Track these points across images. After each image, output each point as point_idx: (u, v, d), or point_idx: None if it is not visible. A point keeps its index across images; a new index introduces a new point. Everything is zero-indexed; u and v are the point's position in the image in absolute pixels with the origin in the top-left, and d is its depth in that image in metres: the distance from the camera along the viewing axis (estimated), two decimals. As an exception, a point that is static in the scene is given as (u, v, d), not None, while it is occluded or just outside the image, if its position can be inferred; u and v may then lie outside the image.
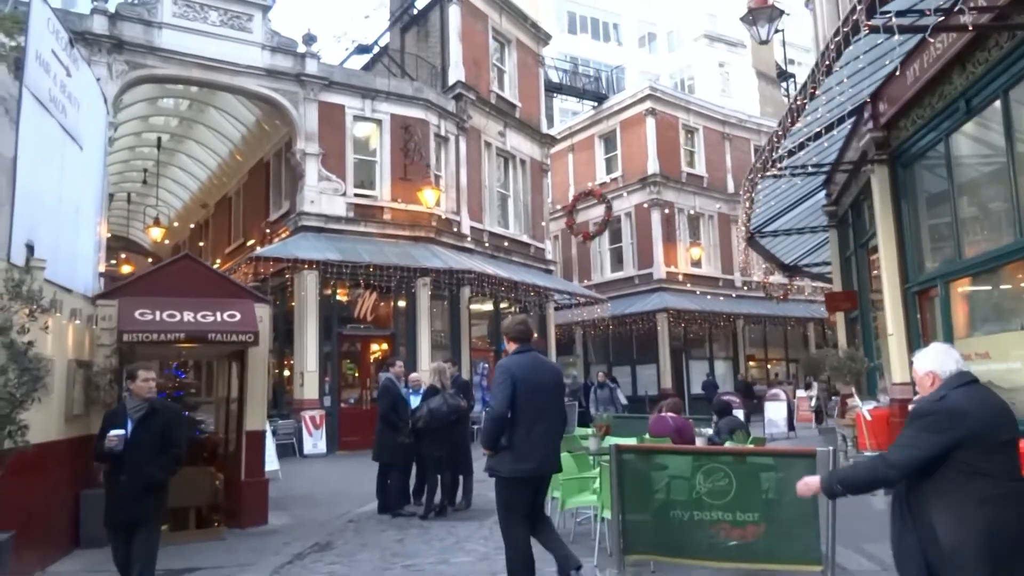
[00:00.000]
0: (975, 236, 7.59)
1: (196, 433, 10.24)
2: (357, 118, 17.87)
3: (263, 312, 8.79)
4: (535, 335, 5.64)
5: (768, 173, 9.43)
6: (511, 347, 5.14)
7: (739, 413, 14.50)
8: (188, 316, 7.97)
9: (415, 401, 9.03)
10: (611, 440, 8.56)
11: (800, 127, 7.64)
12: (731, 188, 30.28)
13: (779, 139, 7.88)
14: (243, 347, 8.43)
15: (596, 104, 31.33)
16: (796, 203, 13.36)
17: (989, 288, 7.54)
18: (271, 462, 12.63)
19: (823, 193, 13.77)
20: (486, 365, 20.13)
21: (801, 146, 8.21)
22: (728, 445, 7.68)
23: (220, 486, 9.15)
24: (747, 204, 10.25)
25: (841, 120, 9.00)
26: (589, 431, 10.47)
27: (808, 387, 19.18)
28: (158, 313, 7.88)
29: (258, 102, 17.86)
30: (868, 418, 9.13)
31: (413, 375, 10.01)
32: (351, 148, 17.69)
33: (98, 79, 14.96)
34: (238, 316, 8.15)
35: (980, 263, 7.35)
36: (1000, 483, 3.04)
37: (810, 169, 10.04)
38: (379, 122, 18.04)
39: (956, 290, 7.94)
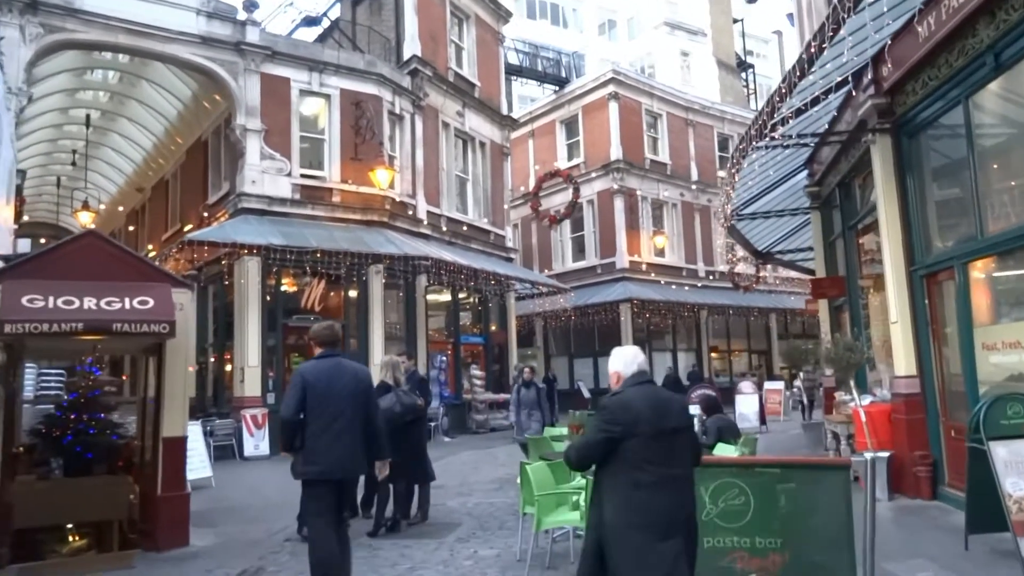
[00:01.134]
0: (1001, 210, 6.71)
1: (114, 438, 9.05)
2: (304, 92, 16.49)
3: (183, 298, 7.51)
4: (340, 340, 5.56)
5: (759, 144, 8.46)
6: (316, 351, 5.30)
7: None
8: (89, 303, 6.68)
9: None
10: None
11: (815, 79, 6.66)
12: (695, 176, 29.65)
13: (782, 98, 6.89)
14: (159, 339, 7.17)
15: (557, 89, 30.35)
16: (775, 184, 12.49)
17: (1020, 269, 6.68)
18: (203, 468, 11.36)
19: (804, 174, 12.95)
20: (444, 359, 18.97)
21: (798, 112, 7.24)
22: (736, 453, 6.69)
23: (135, 500, 7.91)
24: (733, 178, 9.27)
25: (827, 92, 8.08)
26: (563, 431, 9.46)
27: (793, 379, 18.43)
28: (52, 299, 6.57)
29: (194, 74, 16.35)
30: (863, 415, 8.25)
31: None
32: (297, 125, 16.31)
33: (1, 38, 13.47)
34: (151, 303, 6.88)
35: (1009, 240, 6.47)
36: (656, 470, 3.49)
37: (809, 139, 9.10)
38: (328, 97, 16.69)
39: (977, 272, 7.07)
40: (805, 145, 9.36)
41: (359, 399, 5.10)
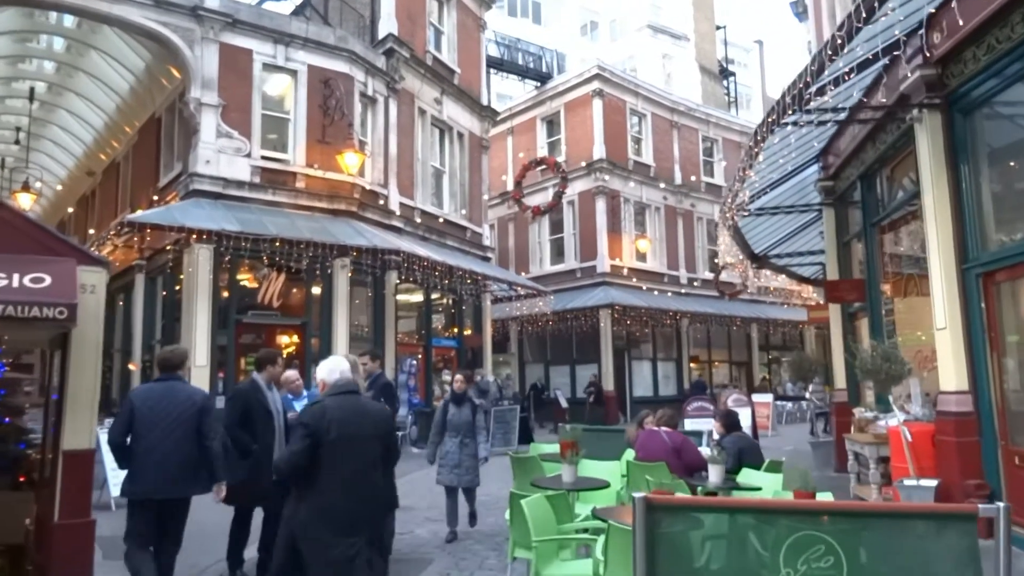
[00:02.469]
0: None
1: (20, 447, 7.67)
2: (267, 67, 15.04)
3: (94, 279, 6.09)
4: (184, 364, 5.71)
5: (787, 119, 7.26)
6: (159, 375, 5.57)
7: (704, 423, 12.47)
8: (-35, 278, 5.28)
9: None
10: (587, 468, 6.26)
11: (894, 17, 5.45)
12: (678, 180, 28.66)
13: (836, 51, 5.67)
14: (60, 327, 5.76)
15: (538, 84, 29.18)
16: (781, 180, 11.37)
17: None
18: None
19: (813, 169, 11.87)
20: (414, 362, 17.59)
21: (861, 66, 6.06)
22: (775, 484, 5.45)
23: (31, 525, 6.50)
24: (755, 157, 8.07)
25: (862, 66, 6.93)
26: (549, 449, 8.16)
27: (802, 391, 17.33)
28: (-85, 272, 5.17)
29: (146, 42, 14.84)
30: (908, 436, 7.08)
31: (288, 372, 6.72)
32: (259, 102, 14.84)
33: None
34: (47, 281, 5.46)
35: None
36: (345, 473, 3.87)
37: (847, 113, 7.91)
38: (294, 73, 15.26)
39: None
40: (840, 122, 8.16)
41: (190, 422, 5.23)
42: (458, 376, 7.40)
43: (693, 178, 29.06)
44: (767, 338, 31.55)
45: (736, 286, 27.53)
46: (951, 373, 6.95)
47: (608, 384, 24.89)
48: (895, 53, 6.90)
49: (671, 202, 28.52)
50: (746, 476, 6.12)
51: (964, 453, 6.76)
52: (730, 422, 6.99)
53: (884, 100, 8.13)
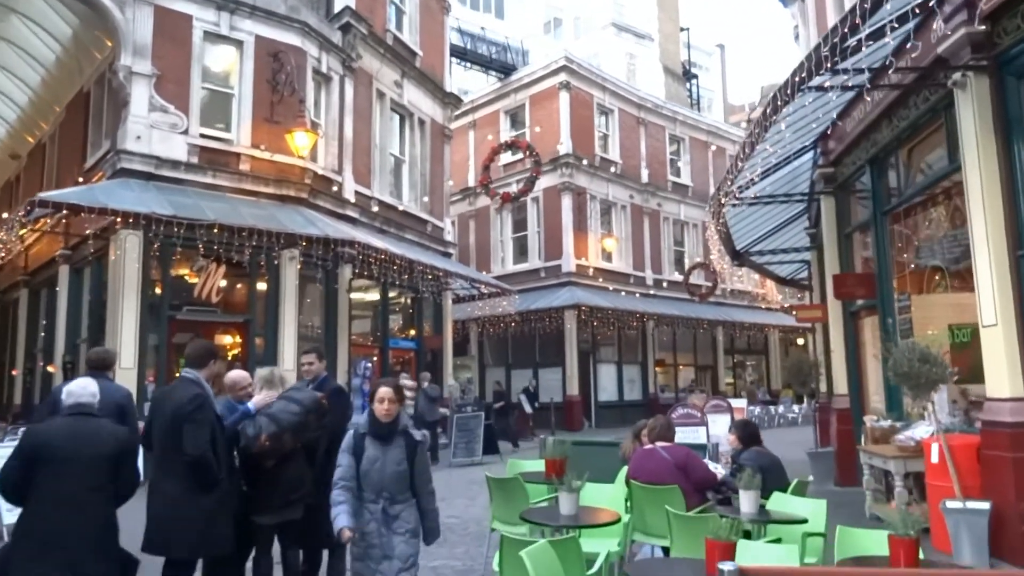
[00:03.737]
0: None
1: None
2: (209, 35, 13.54)
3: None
4: (112, 363, 5.98)
5: (818, 79, 6.20)
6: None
7: (691, 433, 11.38)
8: None
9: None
10: (589, 496, 5.07)
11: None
12: (645, 178, 27.81)
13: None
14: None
15: (502, 77, 28.07)
16: (772, 169, 10.39)
17: None
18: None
19: (806, 158, 10.95)
20: (369, 364, 16.20)
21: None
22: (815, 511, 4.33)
23: None
24: (766, 129, 7.00)
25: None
26: (528, 465, 6.97)
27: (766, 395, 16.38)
28: None
29: (73, 3, 13.23)
30: (949, 455, 6.06)
31: (236, 374, 5.18)
32: (198, 73, 13.33)
33: None
34: None
35: None
36: (53, 494, 3.72)
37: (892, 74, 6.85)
38: (239, 44, 13.79)
39: None
40: (867, 88, 7.13)
41: (114, 416, 5.09)
42: (383, 390, 4.33)
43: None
44: (732, 341, 30.90)
45: (703, 288, 26.77)
46: (1004, 377, 5.96)
47: (572, 388, 23.86)
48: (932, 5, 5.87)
49: (637, 201, 27.66)
50: (779, 503, 5.01)
51: (1021, 470, 5.77)
52: (748, 434, 5.86)
53: (911, 63, 7.15)
